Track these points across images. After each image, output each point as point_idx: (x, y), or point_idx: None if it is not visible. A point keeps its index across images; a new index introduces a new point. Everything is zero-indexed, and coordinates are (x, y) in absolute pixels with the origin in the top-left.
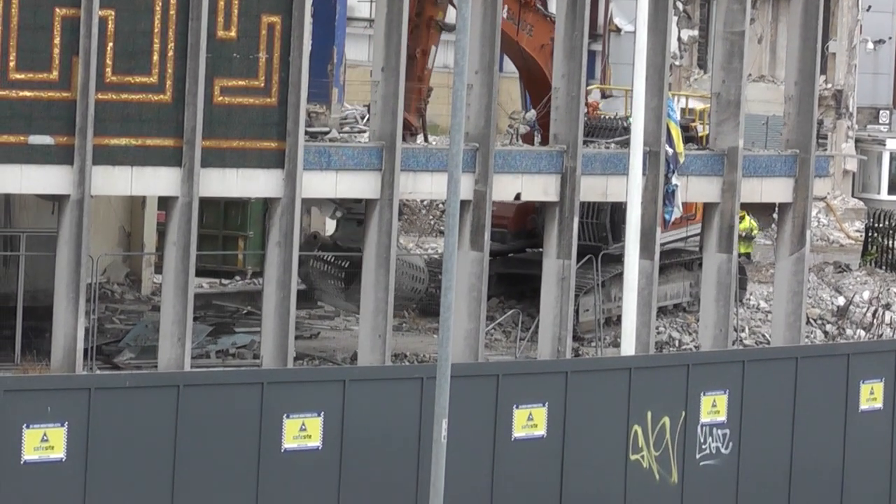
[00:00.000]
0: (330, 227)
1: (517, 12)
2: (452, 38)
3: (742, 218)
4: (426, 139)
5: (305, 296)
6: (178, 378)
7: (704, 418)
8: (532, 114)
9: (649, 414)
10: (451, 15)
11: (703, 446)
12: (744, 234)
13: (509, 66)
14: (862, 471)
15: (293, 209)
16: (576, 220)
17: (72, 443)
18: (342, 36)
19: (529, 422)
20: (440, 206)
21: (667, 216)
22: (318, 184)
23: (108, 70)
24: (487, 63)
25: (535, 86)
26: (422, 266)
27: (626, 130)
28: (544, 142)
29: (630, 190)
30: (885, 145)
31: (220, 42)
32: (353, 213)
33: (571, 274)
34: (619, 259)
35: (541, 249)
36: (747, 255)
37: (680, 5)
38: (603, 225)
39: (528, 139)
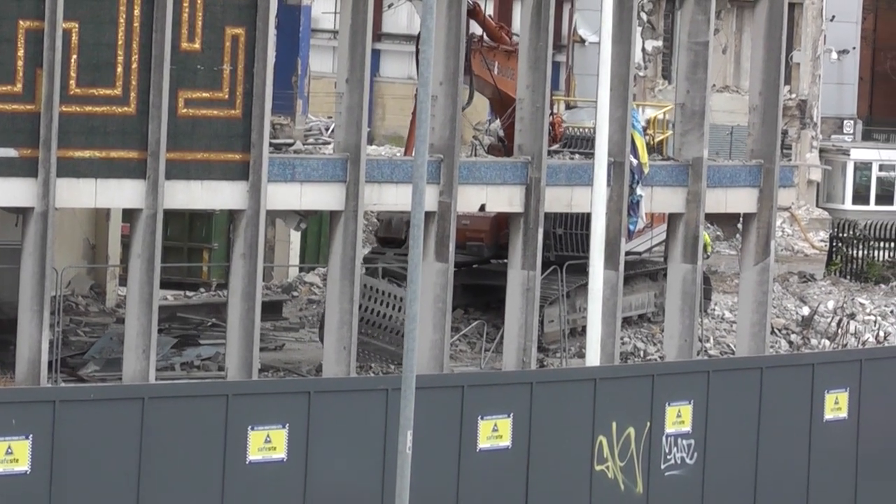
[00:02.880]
0: (295, 238)
1: (491, 57)
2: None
3: None
4: None
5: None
6: (142, 390)
7: (669, 429)
8: (497, 124)
9: (614, 424)
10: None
11: (668, 456)
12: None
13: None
14: (827, 481)
15: (258, 221)
16: (540, 230)
17: (36, 455)
18: (306, 48)
19: (494, 433)
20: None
21: (631, 227)
22: (283, 195)
23: (72, 82)
24: (452, 74)
25: (505, 107)
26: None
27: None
28: (509, 153)
29: (595, 201)
30: (849, 155)
31: (184, 54)
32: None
33: (536, 285)
34: (584, 270)
35: (504, 261)
36: None
37: (644, 16)
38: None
39: (496, 151)
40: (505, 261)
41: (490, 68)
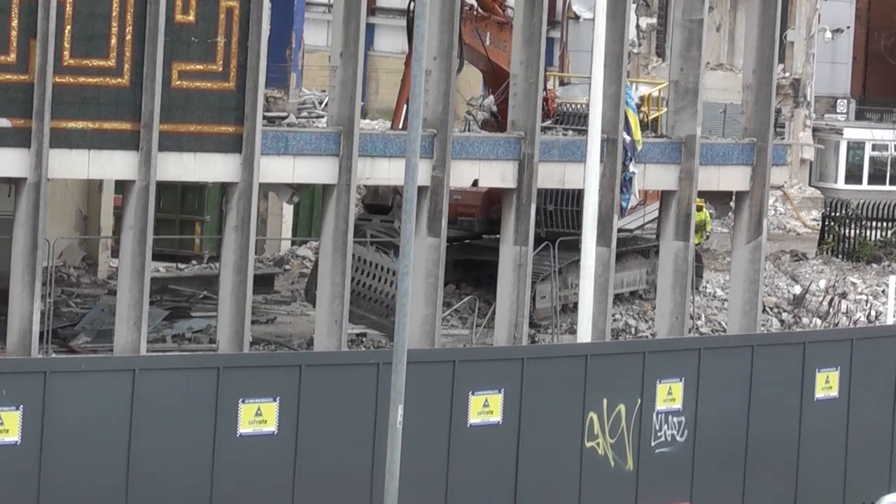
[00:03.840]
0: (287, 212)
1: (483, 27)
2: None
3: (699, 209)
4: None
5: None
6: (133, 362)
7: (660, 406)
8: (490, 100)
9: (605, 401)
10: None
11: (659, 434)
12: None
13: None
14: (817, 459)
15: (250, 194)
16: (533, 206)
17: (26, 426)
18: (301, 21)
19: (485, 408)
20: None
21: (623, 203)
22: (276, 169)
23: (66, 53)
24: (446, 49)
25: (499, 81)
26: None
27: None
28: (502, 128)
29: (587, 177)
30: (842, 134)
31: (178, 26)
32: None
33: (528, 261)
34: (575, 246)
35: (496, 236)
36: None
37: None
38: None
39: (489, 127)
40: (497, 236)
41: (482, 39)
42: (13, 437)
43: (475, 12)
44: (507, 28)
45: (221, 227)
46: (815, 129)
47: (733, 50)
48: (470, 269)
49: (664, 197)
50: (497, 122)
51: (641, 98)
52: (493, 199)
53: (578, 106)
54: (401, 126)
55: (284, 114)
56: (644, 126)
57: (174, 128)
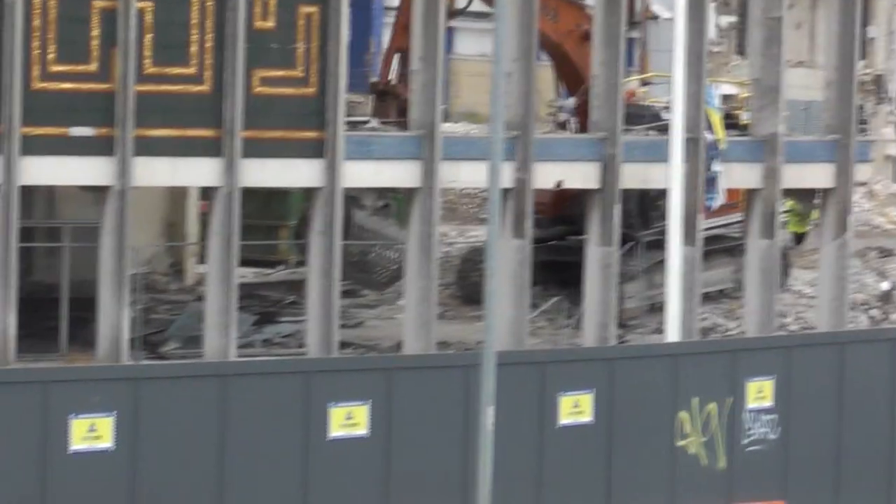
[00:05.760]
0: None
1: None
2: (490, 27)
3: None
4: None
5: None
6: (223, 368)
7: (751, 404)
8: (572, 101)
9: (695, 400)
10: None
11: (750, 432)
12: (803, 214)
13: None
14: None
15: (333, 199)
16: (617, 207)
17: (119, 433)
18: (380, 25)
19: (575, 409)
20: (481, 194)
21: (709, 203)
22: (359, 173)
23: (147, 61)
24: (526, 51)
25: (568, 73)
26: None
27: (656, 117)
28: (581, 129)
29: (671, 177)
30: None
31: (258, 32)
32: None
33: (614, 261)
34: (661, 246)
35: (582, 237)
36: (799, 236)
37: None
38: (629, 212)
39: (560, 127)
40: (582, 237)
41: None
42: (107, 443)
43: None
44: (567, 4)
45: (306, 231)
46: None
47: (814, 47)
48: (556, 270)
49: (749, 196)
50: (577, 123)
51: (734, 97)
52: (565, 197)
53: (645, 104)
54: (389, 76)
55: (366, 118)
56: (736, 125)
57: (256, 134)
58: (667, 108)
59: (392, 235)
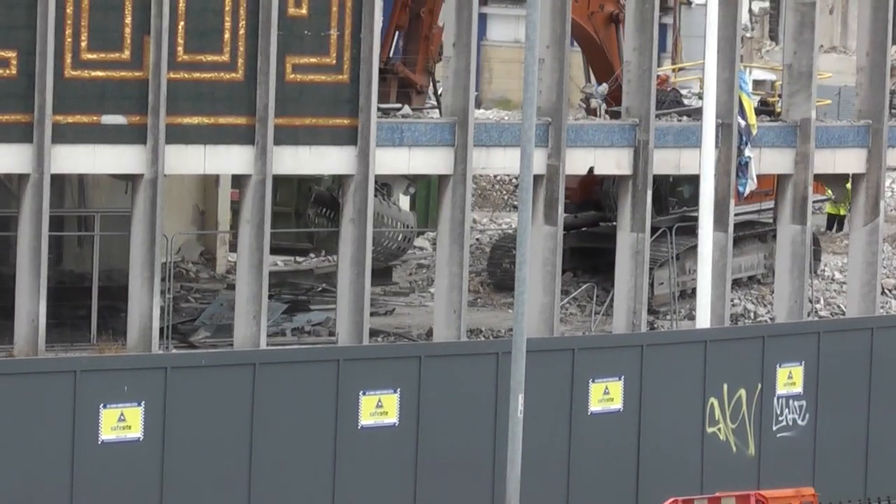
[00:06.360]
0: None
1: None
2: (522, 13)
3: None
4: (437, 100)
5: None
6: (253, 356)
7: (781, 390)
8: (604, 87)
9: (725, 386)
10: None
11: (780, 418)
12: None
13: None
14: None
15: (366, 186)
16: (649, 193)
17: (148, 422)
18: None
19: (606, 395)
20: (513, 180)
21: (741, 188)
22: (391, 160)
23: (180, 49)
24: (558, 37)
25: (596, 57)
26: (409, 223)
27: (678, 102)
28: (613, 115)
29: (703, 162)
30: None
31: (291, 19)
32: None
33: (645, 247)
34: (692, 232)
35: (613, 223)
36: (838, 219)
37: None
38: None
39: (590, 113)
40: (613, 224)
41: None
42: (136, 433)
43: None
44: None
45: (338, 219)
46: None
47: (846, 32)
48: (587, 256)
49: (780, 181)
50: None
51: (769, 84)
52: (592, 181)
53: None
54: (388, 55)
55: (399, 105)
56: (771, 112)
57: (289, 121)
58: (690, 92)
59: (396, 216)
